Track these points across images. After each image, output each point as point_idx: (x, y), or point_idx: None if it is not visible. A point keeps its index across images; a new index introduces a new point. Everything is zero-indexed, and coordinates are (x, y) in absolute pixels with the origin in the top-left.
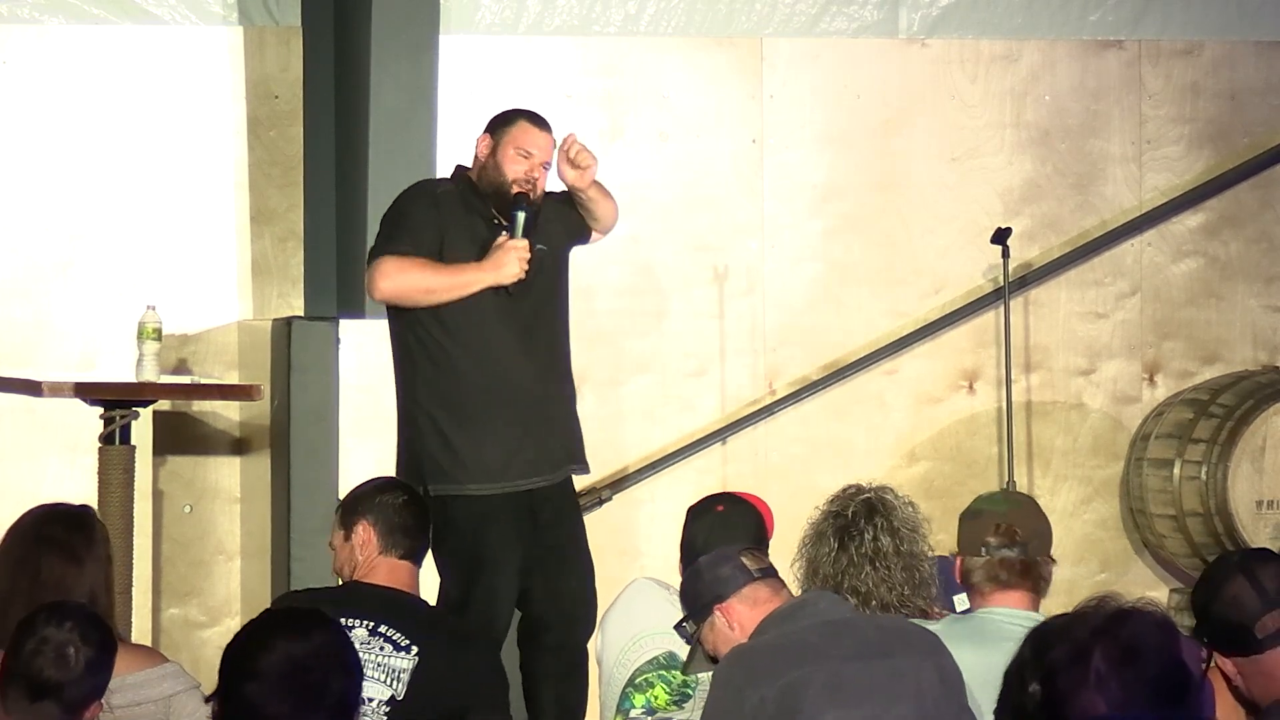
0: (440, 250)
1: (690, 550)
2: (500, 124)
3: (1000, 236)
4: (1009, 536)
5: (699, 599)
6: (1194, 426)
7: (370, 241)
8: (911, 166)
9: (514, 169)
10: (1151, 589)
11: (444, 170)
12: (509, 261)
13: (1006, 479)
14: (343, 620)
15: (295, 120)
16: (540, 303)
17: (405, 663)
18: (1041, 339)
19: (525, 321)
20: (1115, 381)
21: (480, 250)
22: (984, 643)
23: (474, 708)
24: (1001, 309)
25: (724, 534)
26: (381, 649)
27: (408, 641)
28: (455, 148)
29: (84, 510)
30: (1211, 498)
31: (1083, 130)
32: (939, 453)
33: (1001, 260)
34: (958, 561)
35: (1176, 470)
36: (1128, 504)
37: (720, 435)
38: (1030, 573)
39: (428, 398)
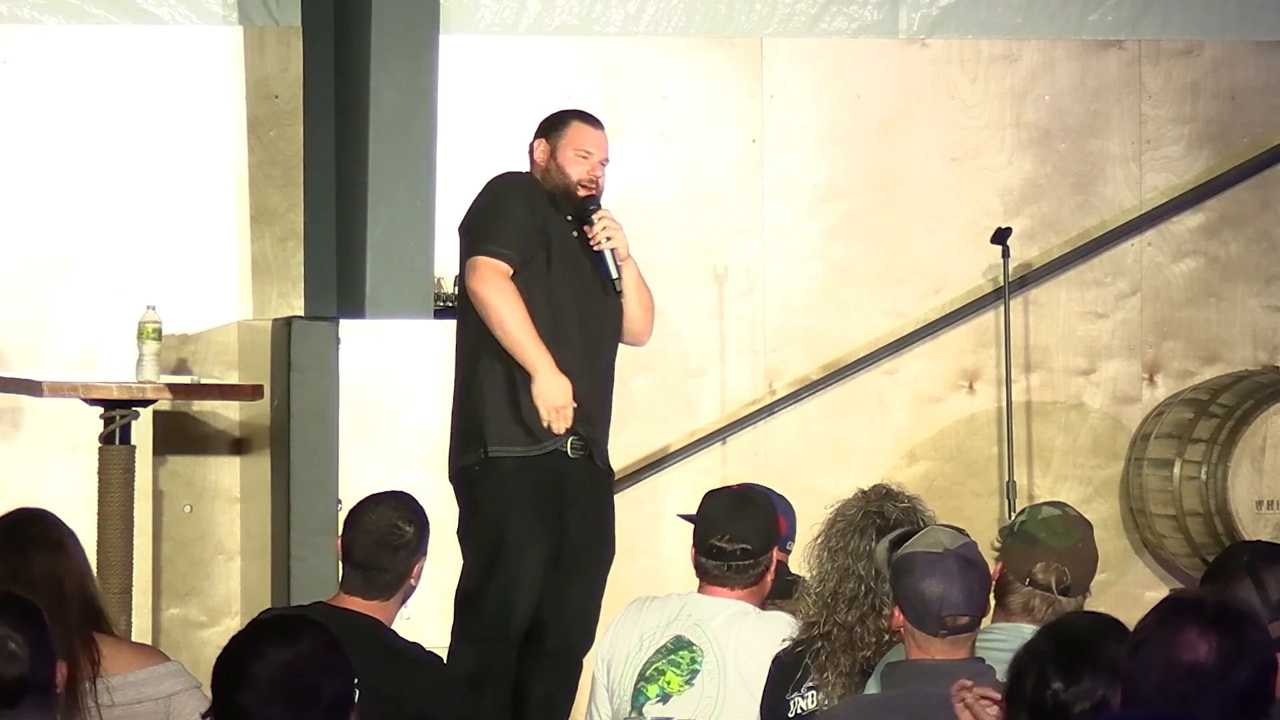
0: (548, 250)
1: (705, 524)
2: (553, 127)
3: (1000, 236)
4: (1059, 580)
5: (895, 585)
6: (1194, 426)
7: (370, 242)
8: (911, 166)
9: (576, 170)
10: (1151, 589)
11: (443, 172)
12: (562, 404)
13: (1006, 479)
14: None
15: (295, 120)
16: (614, 321)
17: None
18: (1041, 339)
19: (597, 329)
20: (1115, 381)
21: (557, 249)
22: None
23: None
24: (1001, 309)
25: (739, 510)
26: None
27: None
28: (455, 148)
29: (37, 509)
30: (1211, 498)
31: (1083, 130)
32: (939, 453)
33: (1001, 260)
34: (997, 568)
35: (1176, 470)
36: (1128, 504)
37: (720, 435)
38: (1062, 610)
39: (496, 363)
